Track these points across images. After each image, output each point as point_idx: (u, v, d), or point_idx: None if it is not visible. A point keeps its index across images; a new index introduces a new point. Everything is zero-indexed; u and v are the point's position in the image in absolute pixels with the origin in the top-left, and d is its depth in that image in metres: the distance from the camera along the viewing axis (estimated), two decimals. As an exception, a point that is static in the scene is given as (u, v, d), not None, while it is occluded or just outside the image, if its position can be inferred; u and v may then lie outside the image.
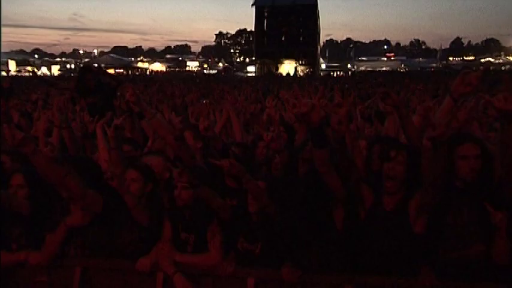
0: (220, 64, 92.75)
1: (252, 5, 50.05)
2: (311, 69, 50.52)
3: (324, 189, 2.59)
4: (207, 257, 2.66)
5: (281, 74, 46.71)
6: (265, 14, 50.40)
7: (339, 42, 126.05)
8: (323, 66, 71.44)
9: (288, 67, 50.46)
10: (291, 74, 46.34)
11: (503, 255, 2.37)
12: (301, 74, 48.65)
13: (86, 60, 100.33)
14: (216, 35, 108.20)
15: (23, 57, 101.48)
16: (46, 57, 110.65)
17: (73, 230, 2.76)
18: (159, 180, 3.01)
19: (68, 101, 5.07)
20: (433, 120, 2.34)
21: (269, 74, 45.52)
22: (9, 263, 2.77)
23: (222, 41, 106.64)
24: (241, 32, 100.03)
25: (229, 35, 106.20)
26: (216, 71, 79.43)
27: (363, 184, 2.63)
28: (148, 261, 2.68)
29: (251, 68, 58.23)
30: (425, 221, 2.55)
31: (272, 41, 50.48)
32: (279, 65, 50.89)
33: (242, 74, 59.70)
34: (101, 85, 6.27)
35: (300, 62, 51.20)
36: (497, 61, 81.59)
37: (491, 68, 60.63)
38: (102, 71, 7.64)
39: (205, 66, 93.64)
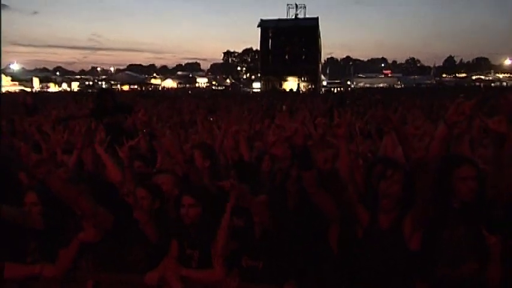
0: (228, 80, 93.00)
1: (258, 26, 50.23)
2: (313, 86, 50.52)
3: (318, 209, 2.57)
4: (211, 273, 2.61)
5: (285, 90, 46.80)
6: (270, 35, 50.52)
7: (339, 60, 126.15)
8: (324, 82, 71.59)
9: (291, 84, 50.46)
10: (294, 90, 46.37)
11: (496, 279, 2.32)
12: (304, 90, 48.67)
13: (103, 77, 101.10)
14: (224, 53, 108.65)
15: (46, 74, 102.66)
16: (67, 75, 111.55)
17: (85, 246, 2.74)
18: (167, 198, 2.99)
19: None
20: (414, 144, 2.35)
21: (273, 90, 45.60)
22: (24, 275, 2.73)
23: (230, 59, 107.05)
24: (248, 51, 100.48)
25: (236, 54, 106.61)
26: (224, 87, 79.78)
27: (358, 203, 2.58)
28: (156, 275, 2.63)
29: (257, 84, 58.41)
30: (420, 239, 2.49)
31: (276, 59, 50.52)
32: (282, 81, 50.86)
33: (248, 89, 59.96)
34: (117, 106, 6.28)
35: (302, 79, 51.13)
36: (487, 78, 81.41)
37: (481, 84, 60.53)
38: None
39: (214, 82, 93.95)
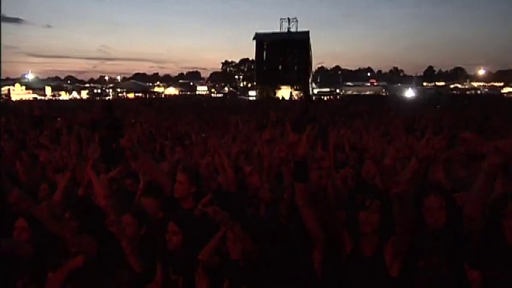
0: (226, 88, 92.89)
1: (253, 39, 50.14)
2: (304, 94, 50.44)
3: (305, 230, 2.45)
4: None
5: (278, 98, 46.72)
6: (265, 47, 50.39)
7: (329, 69, 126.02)
8: (315, 91, 71.46)
9: (284, 92, 50.41)
10: (286, 98, 46.32)
11: None
12: (296, 98, 48.60)
13: (111, 85, 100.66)
14: (223, 63, 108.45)
15: (58, 83, 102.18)
16: (77, 83, 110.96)
17: (73, 271, 2.60)
18: (153, 221, 2.86)
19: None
20: (396, 178, 2.23)
21: (268, 98, 45.52)
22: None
23: (228, 69, 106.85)
24: (244, 61, 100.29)
25: (233, 63, 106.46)
26: (222, 95, 79.65)
27: (343, 228, 2.47)
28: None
29: (252, 93, 58.17)
30: (400, 266, 2.36)
31: (270, 69, 50.38)
32: (276, 90, 50.71)
33: (245, 97, 59.79)
34: (113, 121, 6.16)
35: (295, 88, 51.03)
36: (463, 86, 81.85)
37: (458, 92, 60.73)
38: None
39: (213, 90, 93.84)
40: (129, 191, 3.96)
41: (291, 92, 50.04)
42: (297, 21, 52.86)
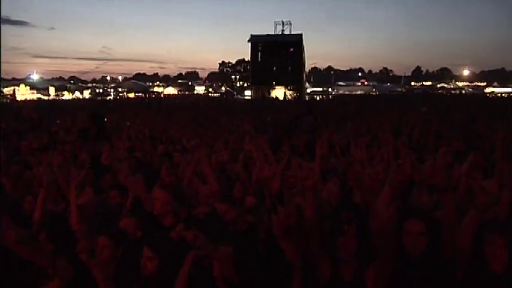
0: (223, 88, 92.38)
1: (248, 41, 49.83)
2: (297, 94, 50.29)
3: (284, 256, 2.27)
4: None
5: (273, 98, 46.51)
6: (259, 48, 50.12)
7: (322, 69, 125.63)
8: (309, 90, 71.22)
9: (278, 92, 50.17)
10: (280, 98, 46.12)
11: None
12: (290, 97, 48.46)
13: (112, 85, 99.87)
14: (220, 63, 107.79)
15: (62, 83, 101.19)
16: (80, 83, 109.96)
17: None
18: (133, 242, 2.67)
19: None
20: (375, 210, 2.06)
21: (263, 98, 45.29)
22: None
23: (225, 69, 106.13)
24: (241, 62, 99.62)
25: (230, 64, 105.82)
26: (219, 94, 79.25)
27: (321, 252, 2.29)
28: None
29: (248, 92, 57.92)
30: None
31: (265, 70, 50.13)
32: (271, 90, 50.48)
33: (241, 97, 59.49)
34: (101, 129, 5.96)
35: (289, 88, 50.83)
36: (449, 86, 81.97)
37: (444, 92, 60.75)
38: None
39: (210, 90, 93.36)
40: (113, 204, 3.78)
41: (285, 92, 49.84)
42: (290, 24, 52.74)
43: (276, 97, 47.28)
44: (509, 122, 9.99)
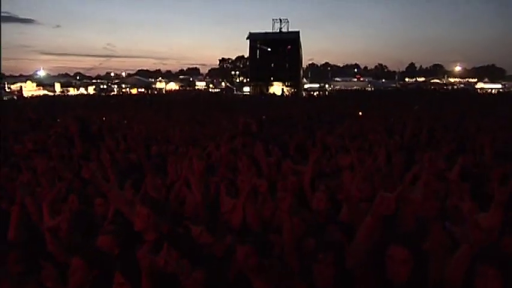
0: (223, 84, 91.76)
1: (247, 38, 49.34)
2: (295, 90, 49.88)
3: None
4: None
5: (271, 94, 46.12)
6: (258, 46, 49.63)
7: (319, 65, 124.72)
8: (306, 86, 70.70)
9: (276, 88, 49.73)
10: (278, 94, 45.76)
11: None
12: (287, 93, 48.08)
13: (116, 81, 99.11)
14: (220, 60, 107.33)
15: (68, 79, 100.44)
16: (85, 79, 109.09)
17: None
18: (109, 262, 2.47)
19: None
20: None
21: (261, 94, 44.90)
22: None
23: (225, 65, 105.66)
24: (240, 58, 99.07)
25: (230, 60, 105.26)
26: (219, 90, 78.71)
27: (298, 282, 2.09)
28: None
29: (246, 88, 57.45)
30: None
31: (263, 67, 49.64)
32: (269, 86, 50.03)
33: (240, 93, 58.98)
34: (87, 136, 5.73)
35: (286, 84, 50.39)
36: (442, 82, 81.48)
37: (437, 88, 60.28)
38: None
39: (211, 85, 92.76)
40: (99, 214, 3.59)
41: (282, 88, 49.40)
42: (288, 21, 52.08)
43: (274, 93, 46.97)
44: (497, 120, 9.79)
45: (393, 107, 16.21)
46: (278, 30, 51.64)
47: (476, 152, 6.12)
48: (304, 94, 50.93)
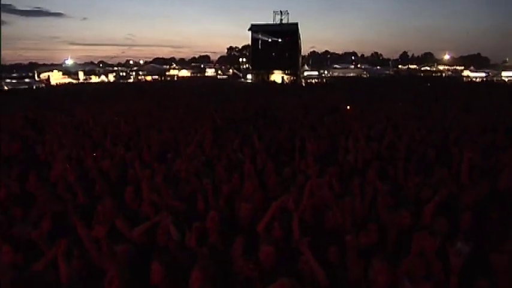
0: (231, 71, 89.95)
1: (248, 29, 47.58)
2: (294, 78, 48.39)
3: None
4: None
5: (271, 81, 44.83)
6: (259, 36, 47.86)
7: (320, 53, 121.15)
8: (306, 73, 68.76)
9: (276, 76, 48.24)
10: (278, 82, 44.41)
11: None
12: (287, 81, 46.69)
13: (135, 68, 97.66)
14: (228, 48, 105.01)
15: (92, 67, 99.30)
16: (107, 67, 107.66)
17: None
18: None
19: None
20: None
21: (263, 82, 43.65)
22: None
23: (232, 53, 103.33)
24: (246, 47, 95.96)
25: (237, 48, 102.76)
26: (227, 76, 77.15)
27: None
28: None
29: (249, 76, 55.86)
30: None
31: (264, 56, 47.98)
32: (270, 74, 48.50)
33: (244, 80, 57.47)
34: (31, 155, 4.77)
35: (286, 72, 48.83)
36: (431, 69, 78.64)
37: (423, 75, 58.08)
38: None
39: (219, 72, 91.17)
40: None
41: (282, 77, 47.86)
42: (288, 13, 50.16)
43: (274, 80, 45.58)
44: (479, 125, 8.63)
45: (379, 100, 15.05)
46: (279, 22, 49.71)
47: (453, 167, 5.14)
48: (303, 82, 49.42)
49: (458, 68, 74.44)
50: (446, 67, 77.67)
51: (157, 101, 16.42)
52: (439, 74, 64.68)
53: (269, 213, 2.83)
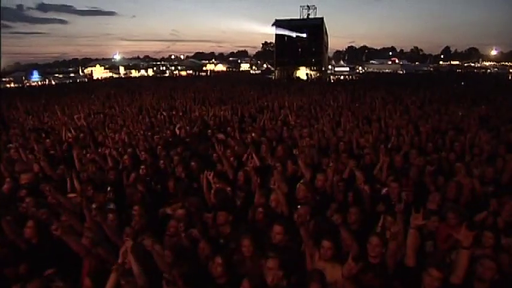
0: (264, 65, 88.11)
1: (272, 25, 45.37)
2: (320, 74, 45.55)
3: None
4: None
5: (297, 78, 42.54)
6: (283, 32, 45.46)
7: (358, 48, 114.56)
8: (336, 68, 64.90)
9: (301, 72, 45.68)
10: (302, 78, 41.95)
11: None
12: (312, 77, 43.99)
13: (175, 63, 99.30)
14: (262, 44, 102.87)
15: (138, 61, 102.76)
16: (151, 62, 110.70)
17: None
18: None
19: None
20: None
21: (287, 78, 41.45)
22: None
23: (267, 48, 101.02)
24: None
25: (272, 44, 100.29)
26: (260, 71, 75.54)
27: None
28: None
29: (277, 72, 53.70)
30: None
31: (289, 52, 45.60)
32: (294, 71, 46.06)
33: (271, 76, 55.43)
34: None
35: (311, 69, 46.08)
36: (476, 65, 70.41)
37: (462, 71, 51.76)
38: None
39: (254, 67, 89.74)
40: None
41: (307, 73, 45.20)
42: (315, 8, 47.04)
43: (298, 77, 43.17)
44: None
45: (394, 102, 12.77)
46: (306, 17, 46.89)
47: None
48: (332, 78, 46.43)
49: (506, 63, 65.91)
50: (493, 63, 69.15)
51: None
52: (482, 71, 57.44)
53: None
